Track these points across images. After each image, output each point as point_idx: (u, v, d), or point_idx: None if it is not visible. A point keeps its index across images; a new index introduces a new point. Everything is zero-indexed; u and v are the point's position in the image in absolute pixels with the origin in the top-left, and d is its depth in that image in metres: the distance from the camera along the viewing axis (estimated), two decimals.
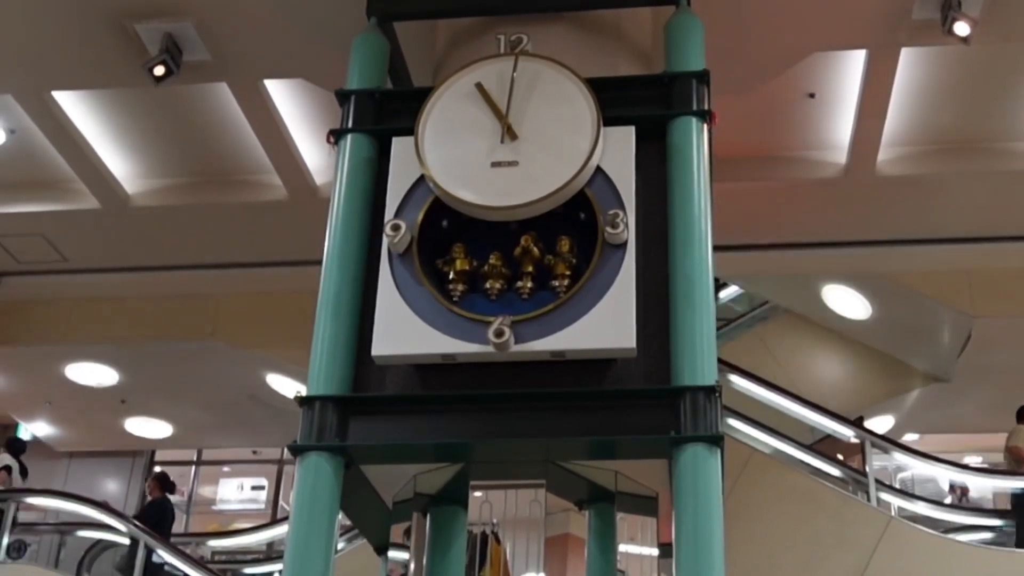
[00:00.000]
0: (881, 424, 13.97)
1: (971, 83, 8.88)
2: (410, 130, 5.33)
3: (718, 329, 5.41)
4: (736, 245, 10.25)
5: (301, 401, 5.00)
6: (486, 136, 5.23)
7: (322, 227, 5.44)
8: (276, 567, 12.14)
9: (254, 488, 17.85)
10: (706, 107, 5.49)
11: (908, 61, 8.52)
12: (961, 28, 7.56)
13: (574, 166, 5.04)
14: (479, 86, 5.38)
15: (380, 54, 6.12)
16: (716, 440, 4.66)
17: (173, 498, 17.43)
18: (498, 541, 5.52)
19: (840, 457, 11.52)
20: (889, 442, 11.66)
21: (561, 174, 5.02)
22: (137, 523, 11.65)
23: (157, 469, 16.92)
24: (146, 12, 7.78)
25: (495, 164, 5.14)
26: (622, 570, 5.53)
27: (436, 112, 5.36)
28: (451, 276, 5.07)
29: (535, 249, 5.06)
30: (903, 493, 11.35)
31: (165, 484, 12.66)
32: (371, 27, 6.18)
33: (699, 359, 4.81)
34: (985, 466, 15.66)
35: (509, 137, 5.20)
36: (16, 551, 11.65)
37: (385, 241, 5.14)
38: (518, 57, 5.42)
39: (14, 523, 11.37)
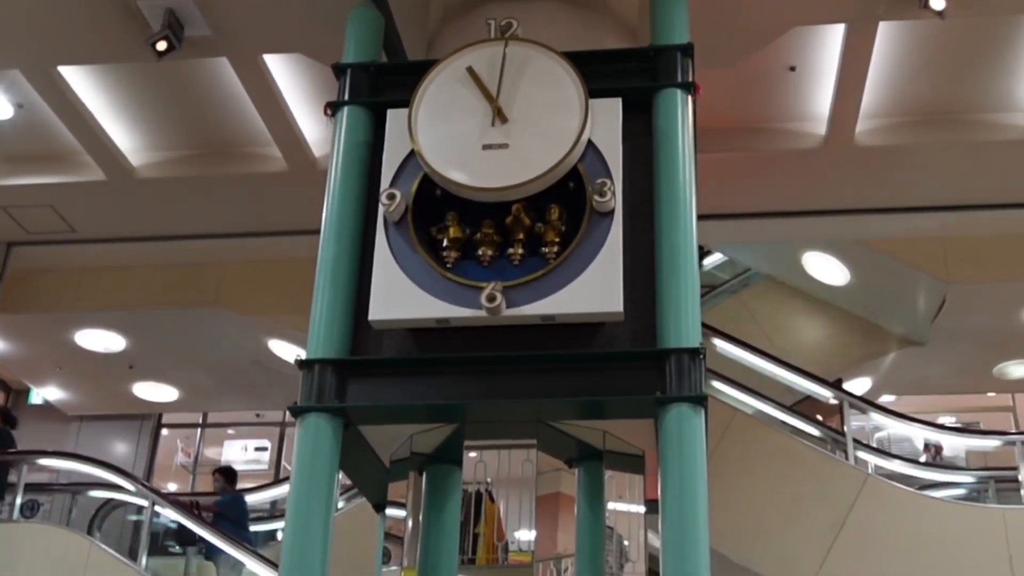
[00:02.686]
0: (859, 386, 14.03)
1: (946, 56, 8.86)
2: (405, 102, 5.29)
3: (702, 295, 5.41)
4: (720, 214, 10.23)
5: (301, 364, 4.99)
6: (477, 119, 5.16)
7: (320, 197, 5.41)
8: (279, 525, 12.19)
9: (257, 449, 17.93)
10: (690, 79, 5.45)
11: (885, 35, 8.49)
12: (936, 2, 7.54)
13: (563, 148, 4.98)
14: (470, 70, 5.32)
15: (375, 29, 6.07)
16: (700, 400, 4.66)
17: (179, 458, 17.63)
18: (492, 499, 5.52)
19: (819, 417, 11.58)
20: (866, 403, 11.72)
21: (550, 156, 4.97)
22: (145, 483, 11.70)
23: (165, 432, 17.07)
24: None
25: (486, 147, 5.08)
26: (610, 526, 5.53)
27: (429, 95, 5.30)
28: (445, 243, 5.04)
29: (526, 217, 5.03)
30: (880, 452, 11.41)
31: (6, 417, 12.67)
32: (366, 2, 6.13)
33: (684, 322, 4.79)
34: (958, 425, 15.75)
35: (500, 120, 5.14)
36: (29, 510, 11.69)
37: (381, 210, 5.11)
38: (508, 42, 5.37)
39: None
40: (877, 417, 11.77)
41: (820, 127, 9.48)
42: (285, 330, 12.60)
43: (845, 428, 10.75)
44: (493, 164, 5.03)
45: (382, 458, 5.46)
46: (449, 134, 5.17)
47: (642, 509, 5.40)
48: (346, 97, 5.67)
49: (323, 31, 7.51)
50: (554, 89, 5.22)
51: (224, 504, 11.85)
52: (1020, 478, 10.50)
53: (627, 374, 4.80)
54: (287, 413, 7.71)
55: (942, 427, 13.43)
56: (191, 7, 7.88)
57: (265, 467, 17.61)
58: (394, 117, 5.38)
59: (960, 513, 10.00)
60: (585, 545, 5.41)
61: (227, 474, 12.41)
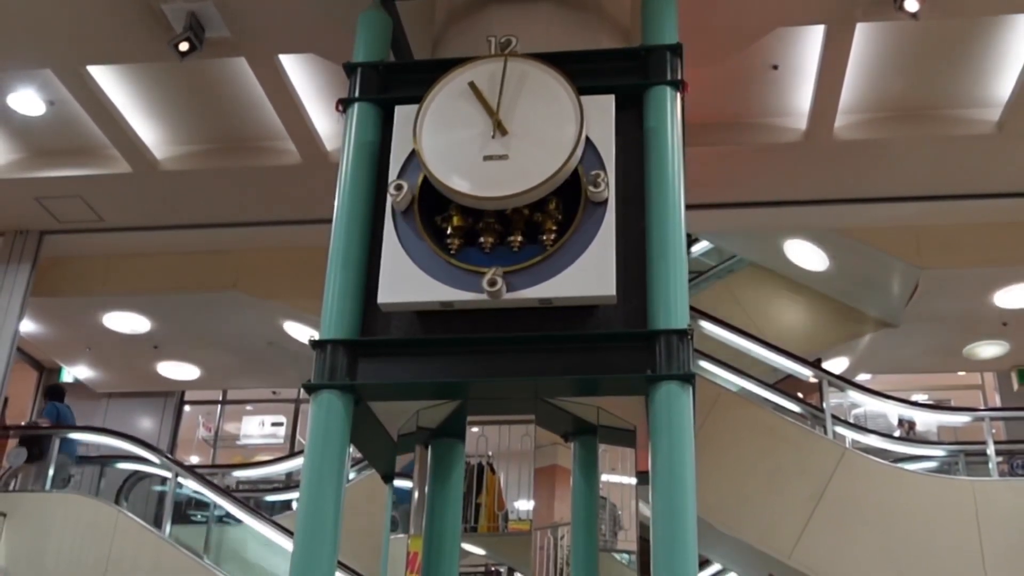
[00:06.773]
0: (837, 365, 14.01)
1: (919, 55, 8.83)
2: (412, 99, 5.30)
3: (690, 280, 5.40)
4: (706, 204, 10.22)
5: (315, 344, 5.00)
6: (479, 131, 5.15)
7: (332, 188, 5.42)
8: (294, 495, 12.21)
9: (274, 424, 17.93)
10: (679, 77, 5.45)
11: (863, 35, 8.47)
12: (911, 4, 7.53)
13: (559, 160, 4.96)
14: (472, 85, 5.30)
15: (384, 30, 6.06)
16: (688, 378, 4.67)
17: (201, 432, 17.66)
18: (493, 471, 5.54)
19: (800, 395, 11.57)
20: (844, 381, 11.71)
21: (547, 167, 4.94)
22: (169, 455, 11.72)
23: (187, 408, 17.10)
24: None
25: (487, 158, 5.07)
26: (604, 497, 5.54)
27: (433, 108, 5.27)
28: (449, 231, 5.04)
29: (525, 208, 5.03)
30: (856, 427, 11.42)
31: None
32: (375, 5, 6.12)
33: (673, 305, 4.80)
34: (930, 403, 15.76)
35: (500, 132, 5.12)
36: (62, 481, 11.70)
37: (389, 200, 5.12)
38: (507, 58, 5.35)
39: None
40: (854, 394, 11.77)
41: (801, 122, 9.46)
42: (299, 313, 12.60)
43: (824, 405, 10.73)
44: (494, 174, 5.01)
45: (390, 432, 5.47)
46: (452, 145, 5.15)
47: (634, 480, 5.42)
48: (356, 94, 5.67)
49: (335, 32, 7.51)
50: (551, 103, 5.19)
51: (45, 414, 12.57)
52: (988, 452, 10.50)
53: (619, 354, 4.81)
54: (301, 390, 7.71)
55: (915, 404, 13.45)
56: (212, 10, 7.89)
57: (281, 441, 17.62)
58: (401, 113, 5.38)
59: (932, 485, 10.01)
60: (580, 514, 5.44)
61: (47, 391, 13.27)
